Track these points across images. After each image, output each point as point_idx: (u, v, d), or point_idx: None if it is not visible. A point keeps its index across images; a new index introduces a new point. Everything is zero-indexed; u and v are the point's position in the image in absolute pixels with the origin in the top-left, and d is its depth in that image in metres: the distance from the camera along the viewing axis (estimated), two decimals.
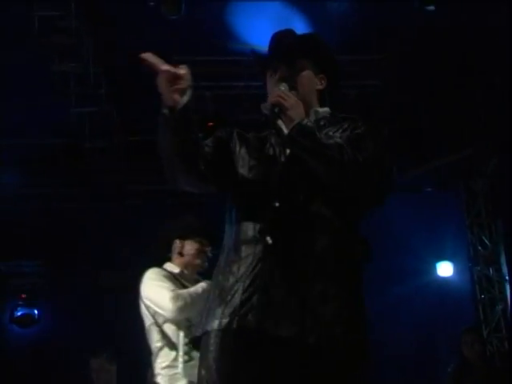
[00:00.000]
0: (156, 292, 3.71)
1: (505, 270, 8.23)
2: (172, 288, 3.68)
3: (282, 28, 2.57)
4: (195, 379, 2.28)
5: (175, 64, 2.23)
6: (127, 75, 6.88)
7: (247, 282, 2.19)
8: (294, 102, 2.33)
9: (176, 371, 3.58)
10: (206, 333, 2.22)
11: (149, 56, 2.20)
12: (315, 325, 2.13)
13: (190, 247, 3.93)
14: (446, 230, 8.68)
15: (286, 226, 2.24)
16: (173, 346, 3.64)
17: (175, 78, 2.20)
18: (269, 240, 2.22)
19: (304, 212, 2.25)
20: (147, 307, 3.77)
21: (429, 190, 8.73)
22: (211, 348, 2.19)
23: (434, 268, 9.07)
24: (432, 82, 7.04)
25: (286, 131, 2.37)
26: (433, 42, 6.49)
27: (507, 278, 8.17)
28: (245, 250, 2.26)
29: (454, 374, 6.06)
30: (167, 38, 6.35)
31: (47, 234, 8.29)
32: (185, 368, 3.55)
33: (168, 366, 3.64)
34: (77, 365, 6.55)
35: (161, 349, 3.68)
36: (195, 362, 2.40)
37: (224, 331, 2.17)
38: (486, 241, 8.37)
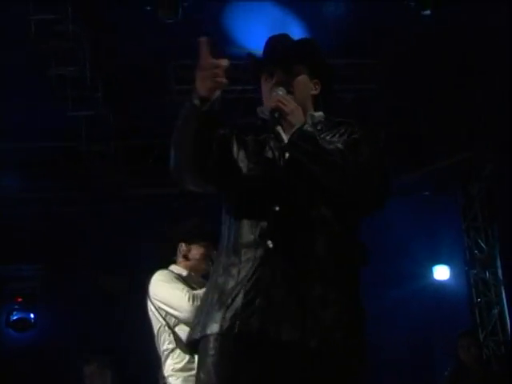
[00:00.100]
0: (170, 293, 3.69)
1: (501, 273, 8.23)
2: (186, 289, 3.67)
3: (279, 32, 2.58)
4: None
5: (219, 57, 2.23)
6: (124, 79, 6.89)
7: (248, 285, 2.20)
8: (294, 107, 2.35)
9: (192, 373, 3.56)
10: (205, 336, 2.22)
11: (203, 43, 2.20)
12: (316, 329, 2.14)
13: (195, 252, 3.91)
14: (442, 234, 8.69)
15: (286, 230, 2.24)
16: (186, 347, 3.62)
17: (215, 70, 2.20)
18: (270, 244, 2.22)
19: (304, 216, 2.27)
20: (158, 309, 3.75)
21: (425, 193, 8.74)
22: (211, 352, 2.19)
23: (431, 271, 9.07)
24: (429, 86, 7.05)
25: (284, 135, 2.38)
26: (430, 45, 6.50)
27: (503, 281, 8.18)
28: (245, 254, 2.25)
29: (451, 377, 6.08)
30: (164, 42, 6.37)
31: (46, 237, 8.28)
32: None
33: (183, 368, 3.63)
34: (74, 369, 6.54)
35: (172, 351, 3.66)
36: None
37: (224, 335, 2.17)
38: (483, 244, 8.38)
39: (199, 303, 3.50)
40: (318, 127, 2.40)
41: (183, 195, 7.96)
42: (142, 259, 8.07)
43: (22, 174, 7.78)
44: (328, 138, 2.37)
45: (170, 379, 3.67)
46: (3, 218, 7.86)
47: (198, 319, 2.31)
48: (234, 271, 2.25)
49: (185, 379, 3.61)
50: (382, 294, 7.89)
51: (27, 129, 7.08)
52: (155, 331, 3.80)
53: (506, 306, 8.09)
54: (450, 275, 9.05)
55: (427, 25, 6.19)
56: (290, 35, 2.57)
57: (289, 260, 2.20)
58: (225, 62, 2.22)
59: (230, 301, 2.20)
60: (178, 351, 3.66)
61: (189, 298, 3.58)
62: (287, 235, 2.23)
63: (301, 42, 2.58)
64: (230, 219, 2.37)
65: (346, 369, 2.18)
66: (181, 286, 3.70)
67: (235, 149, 2.42)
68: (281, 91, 2.39)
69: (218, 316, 2.20)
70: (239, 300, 2.19)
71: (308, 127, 2.32)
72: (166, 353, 3.72)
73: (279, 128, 2.40)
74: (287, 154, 2.34)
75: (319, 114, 2.52)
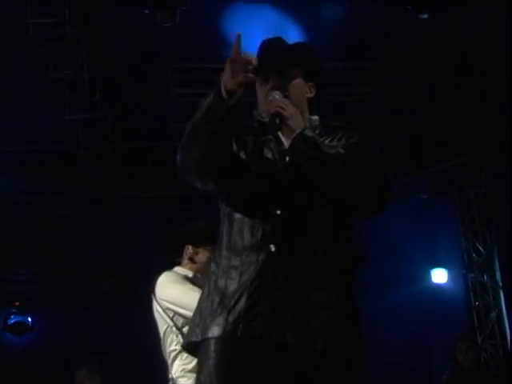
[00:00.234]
0: (183, 293, 3.64)
1: (499, 276, 8.24)
2: (197, 289, 3.64)
3: (276, 35, 2.58)
4: None
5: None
6: (122, 82, 6.89)
7: (251, 289, 2.19)
8: (294, 111, 2.34)
9: None
10: (206, 339, 2.21)
11: (237, 37, 2.18)
12: (320, 331, 2.15)
13: (202, 255, 3.88)
14: (440, 237, 8.71)
15: (288, 233, 2.25)
16: None
17: (246, 65, 2.19)
18: (272, 248, 2.22)
19: (304, 219, 2.27)
20: (165, 310, 3.72)
21: (423, 196, 8.75)
22: (212, 355, 2.18)
23: (429, 274, 9.08)
24: (428, 87, 7.05)
25: (283, 139, 2.37)
26: (429, 47, 6.50)
27: (501, 284, 8.18)
28: (246, 257, 2.25)
29: (449, 380, 6.06)
30: (162, 45, 6.37)
31: (42, 240, 8.28)
32: None
33: (193, 369, 3.54)
34: (71, 372, 6.52)
35: (180, 352, 3.62)
36: None
37: (227, 338, 2.17)
38: (480, 248, 8.38)
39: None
40: (316, 131, 2.41)
41: (180, 199, 7.98)
42: (139, 262, 8.08)
43: (19, 176, 7.77)
44: (327, 142, 2.38)
45: (181, 380, 3.63)
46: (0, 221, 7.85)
47: (197, 321, 2.30)
48: (235, 274, 2.25)
49: None
50: (380, 297, 7.90)
51: (25, 132, 7.06)
52: (161, 332, 3.76)
53: (503, 309, 8.09)
54: (448, 278, 9.06)
55: (426, 26, 6.19)
56: (287, 38, 2.57)
57: (291, 263, 2.21)
58: (255, 60, 2.21)
59: (232, 304, 2.19)
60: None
61: None
62: (289, 239, 2.24)
63: (295, 45, 2.58)
64: (229, 221, 2.36)
65: (348, 370, 2.19)
66: (191, 286, 3.68)
67: (235, 150, 2.41)
68: (277, 95, 2.38)
69: (220, 319, 2.19)
70: (242, 303, 2.18)
71: (308, 132, 2.32)
72: (173, 354, 3.68)
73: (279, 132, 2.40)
74: (287, 158, 2.34)
75: (316, 117, 2.52)
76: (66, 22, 6.02)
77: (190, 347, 2.35)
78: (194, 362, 3.53)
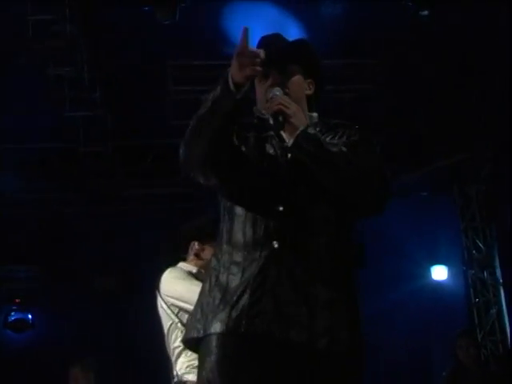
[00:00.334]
0: (189, 289, 3.59)
1: (499, 273, 8.24)
2: (200, 285, 3.63)
3: (275, 32, 2.58)
4: None
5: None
6: (122, 79, 6.89)
7: (254, 285, 2.19)
8: (296, 108, 2.33)
9: None
10: (209, 335, 2.21)
11: (244, 31, 2.18)
12: (324, 330, 2.15)
13: (208, 252, 3.85)
14: (440, 234, 8.70)
15: (290, 230, 2.24)
16: None
17: (254, 58, 2.19)
18: (275, 244, 2.22)
19: (306, 216, 2.27)
20: (170, 306, 3.72)
21: (424, 194, 8.74)
22: (215, 351, 2.18)
23: (429, 272, 9.08)
24: (428, 86, 7.05)
25: (285, 136, 2.36)
26: (429, 45, 6.49)
27: (501, 281, 8.19)
28: (249, 253, 2.25)
29: (449, 377, 6.07)
30: (162, 42, 6.37)
31: (43, 238, 8.28)
32: None
33: None
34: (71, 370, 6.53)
35: (185, 348, 3.62)
36: None
37: (229, 335, 2.17)
38: (481, 244, 8.38)
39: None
40: (317, 129, 2.40)
41: (180, 196, 7.98)
42: (140, 260, 8.08)
43: (19, 174, 7.76)
44: (327, 139, 2.37)
45: (187, 376, 3.61)
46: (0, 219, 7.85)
47: (199, 317, 2.29)
48: (237, 270, 2.24)
49: None
50: (380, 294, 7.90)
51: (24, 129, 7.06)
52: (165, 329, 3.75)
53: (504, 305, 8.09)
54: (448, 275, 9.06)
55: (426, 25, 6.19)
56: (287, 36, 2.56)
57: (294, 260, 2.21)
58: (263, 54, 2.21)
59: (234, 300, 2.19)
60: None
61: None
62: (292, 236, 2.24)
63: (294, 41, 2.57)
64: (230, 217, 2.35)
65: (348, 368, 2.20)
66: (196, 281, 3.66)
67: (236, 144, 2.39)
68: (278, 91, 2.37)
69: (223, 315, 2.19)
70: (245, 299, 2.18)
71: (311, 129, 2.31)
72: (177, 350, 3.66)
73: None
74: (289, 155, 2.34)
75: (315, 114, 2.52)
76: (65, 20, 6.02)
77: (190, 343, 2.34)
78: None
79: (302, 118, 2.33)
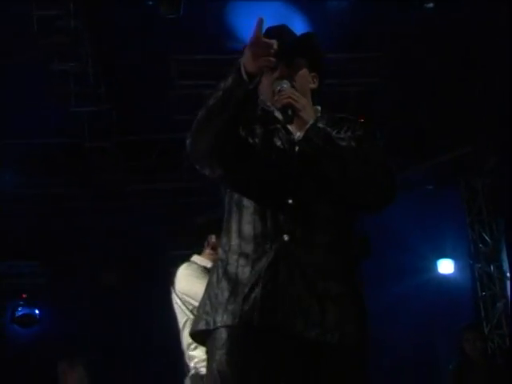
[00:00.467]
0: (201, 288, 3.64)
1: (506, 266, 8.22)
2: None
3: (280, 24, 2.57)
4: None
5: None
6: (126, 74, 6.89)
7: (266, 278, 2.18)
8: (305, 102, 2.34)
9: None
10: (219, 328, 2.21)
11: (259, 21, 2.17)
12: (334, 324, 2.16)
13: None
14: (446, 228, 8.68)
15: (300, 223, 2.24)
16: None
17: (266, 49, 2.18)
18: (285, 237, 2.22)
19: (314, 210, 2.27)
20: (184, 302, 3.73)
21: (430, 187, 8.73)
22: (225, 343, 2.18)
23: (435, 265, 9.06)
24: (432, 79, 7.03)
25: (292, 129, 2.36)
26: (433, 39, 6.48)
27: (508, 274, 8.17)
28: (259, 245, 2.24)
29: (456, 371, 6.06)
30: (166, 37, 6.36)
31: (47, 233, 8.29)
32: None
33: None
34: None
35: None
36: None
37: (240, 327, 2.17)
38: (487, 238, 8.36)
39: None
40: (324, 122, 2.40)
41: (184, 191, 7.99)
42: (144, 254, 8.10)
43: (24, 169, 7.78)
44: (334, 133, 2.37)
45: (204, 369, 3.63)
46: (2, 214, 7.86)
47: (207, 309, 2.27)
48: (246, 262, 2.24)
49: None
50: (386, 288, 7.89)
51: (30, 124, 7.07)
52: (180, 325, 3.77)
53: (510, 299, 8.07)
54: (455, 269, 9.04)
55: (430, 18, 6.17)
56: (292, 29, 2.55)
57: (303, 253, 2.21)
58: (276, 45, 2.20)
59: (246, 292, 2.18)
60: None
61: None
62: (301, 229, 2.24)
63: (302, 35, 2.56)
64: (238, 209, 2.34)
65: (355, 361, 2.22)
66: None
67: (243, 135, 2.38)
68: (285, 84, 2.37)
69: (234, 308, 2.19)
70: (256, 293, 2.17)
71: (320, 123, 2.32)
72: (192, 346, 3.66)
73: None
74: (297, 148, 2.33)
75: (319, 108, 2.52)
76: (70, 15, 6.02)
77: (199, 335, 2.33)
78: None
79: (310, 112, 2.34)
